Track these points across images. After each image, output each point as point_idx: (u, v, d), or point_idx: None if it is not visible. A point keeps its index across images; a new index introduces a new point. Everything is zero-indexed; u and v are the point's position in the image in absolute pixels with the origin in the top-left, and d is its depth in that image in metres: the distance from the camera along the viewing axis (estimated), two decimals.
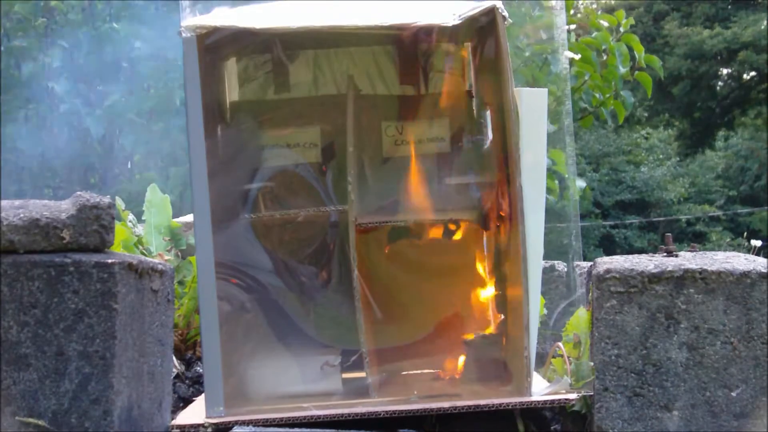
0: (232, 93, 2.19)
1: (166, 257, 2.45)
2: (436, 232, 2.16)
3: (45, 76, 5.63)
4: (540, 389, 1.83)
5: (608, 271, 1.67)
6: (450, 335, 2.09)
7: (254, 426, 1.74)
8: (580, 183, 4.27)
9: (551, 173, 3.85)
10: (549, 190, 3.84)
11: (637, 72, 4.32)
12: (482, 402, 1.76)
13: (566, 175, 3.51)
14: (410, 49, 2.19)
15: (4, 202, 1.53)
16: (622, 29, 4.29)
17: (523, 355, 1.82)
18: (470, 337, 2.06)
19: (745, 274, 1.64)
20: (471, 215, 2.09)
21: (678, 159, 19.26)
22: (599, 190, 17.09)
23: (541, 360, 2.09)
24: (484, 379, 1.99)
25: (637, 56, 4.28)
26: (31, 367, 1.47)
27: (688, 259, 1.71)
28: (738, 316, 1.64)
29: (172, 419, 1.79)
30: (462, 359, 2.05)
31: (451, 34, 2.13)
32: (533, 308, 1.85)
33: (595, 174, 17.31)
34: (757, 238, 2.57)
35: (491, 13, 1.87)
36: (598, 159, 18.06)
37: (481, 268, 2.14)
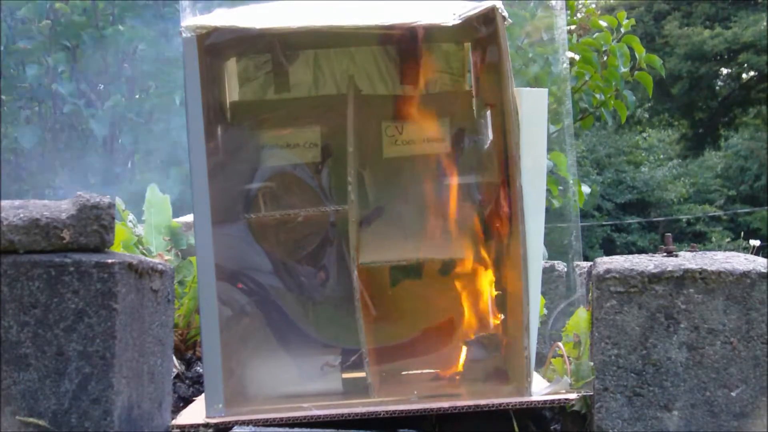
0: (232, 93, 2.19)
1: (166, 257, 2.45)
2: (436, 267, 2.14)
3: (48, 76, 5.64)
4: (540, 389, 1.83)
5: (608, 271, 1.67)
6: (450, 335, 2.09)
7: (254, 426, 1.74)
8: (585, 188, 4.26)
9: (552, 176, 3.84)
10: (550, 194, 3.82)
11: (637, 72, 4.32)
12: (482, 402, 1.75)
13: (569, 179, 3.50)
14: (410, 48, 2.19)
15: (4, 202, 1.53)
16: (623, 30, 4.29)
17: (523, 355, 1.82)
18: (470, 337, 2.06)
19: (745, 274, 1.64)
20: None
21: (678, 159, 19.27)
22: (600, 191, 17.10)
23: (541, 360, 2.09)
24: (484, 379, 1.99)
25: (638, 56, 4.27)
26: (31, 367, 1.47)
27: (688, 259, 1.71)
28: (738, 316, 1.64)
29: (172, 419, 1.79)
30: (462, 359, 2.05)
31: (452, 33, 2.14)
32: (533, 308, 1.84)
33: (598, 177, 17.33)
34: (756, 238, 2.57)
35: (491, 13, 1.87)
36: (600, 160, 18.08)
37: (482, 268, 2.13)
